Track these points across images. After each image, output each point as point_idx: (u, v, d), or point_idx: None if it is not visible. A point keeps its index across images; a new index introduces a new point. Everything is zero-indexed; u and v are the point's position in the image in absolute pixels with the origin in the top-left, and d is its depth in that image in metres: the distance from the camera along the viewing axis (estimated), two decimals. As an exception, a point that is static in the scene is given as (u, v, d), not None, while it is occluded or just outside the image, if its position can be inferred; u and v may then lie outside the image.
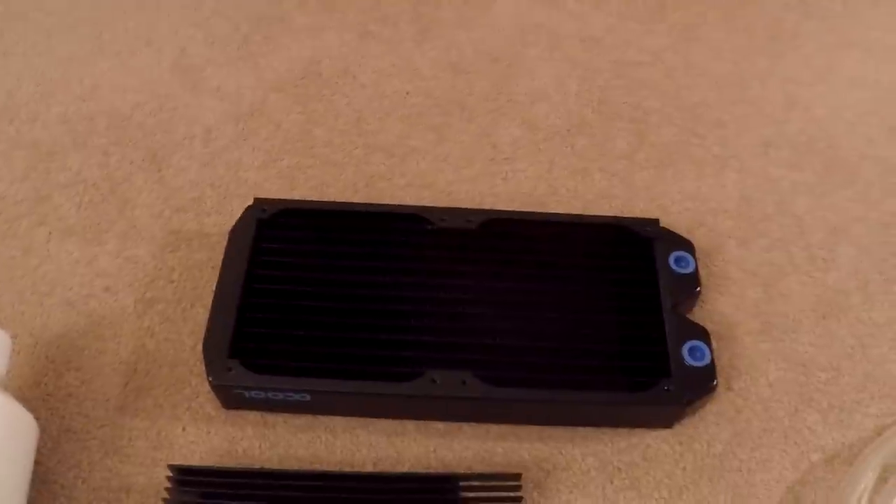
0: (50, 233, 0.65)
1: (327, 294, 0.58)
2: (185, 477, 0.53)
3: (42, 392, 0.58)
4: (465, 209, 0.62)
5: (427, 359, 0.55)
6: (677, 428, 0.57)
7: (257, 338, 0.56)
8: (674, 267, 0.60)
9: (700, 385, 0.56)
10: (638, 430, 0.57)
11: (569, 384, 0.55)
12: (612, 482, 0.56)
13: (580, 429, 0.57)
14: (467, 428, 0.57)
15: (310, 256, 0.59)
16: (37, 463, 0.54)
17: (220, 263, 0.59)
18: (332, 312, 0.57)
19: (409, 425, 0.57)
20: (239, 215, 0.61)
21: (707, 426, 0.58)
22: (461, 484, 0.53)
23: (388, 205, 0.64)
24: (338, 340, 0.56)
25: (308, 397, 0.55)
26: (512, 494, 0.53)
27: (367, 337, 0.56)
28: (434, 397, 0.54)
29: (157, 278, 0.62)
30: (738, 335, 0.61)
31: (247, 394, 0.55)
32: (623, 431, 0.57)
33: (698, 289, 0.60)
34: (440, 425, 0.57)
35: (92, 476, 0.55)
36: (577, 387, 0.55)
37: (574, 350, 0.56)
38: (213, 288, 0.58)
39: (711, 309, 0.62)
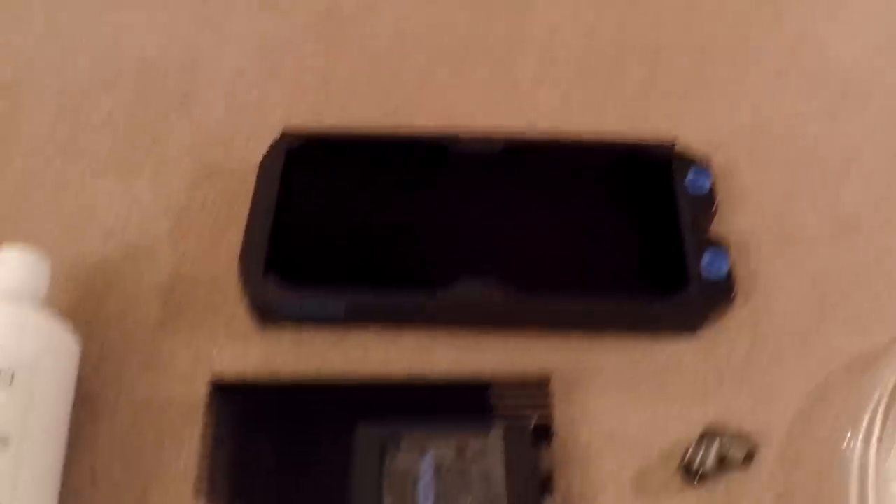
0: (84, 170, 0.66)
1: (358, 212, 0.59)
2: (224, 390, 0.54)
3: (82, 317, 0.59)
4: (487, 134, 0.62)
5: (456, 269, 0.56)
6: (698, 337, 0.58)
7: (292, 253, 0.57)
8: (691, 185, 0.61)
9: (720, 295, 0.57)
10: (660, 339, 0.58)
11: (593, 290, 0.56)
12: (637, 387, 0.57)
13: (605, 337, 0.58)
14: (495, 337, 0.58)
15: (340, 180, 0.60)
16: (80, 383, 0.55)
17: (252, 192, 0.60)
18: (363, 228, 0.58)
19: (440, 336, 0.58)
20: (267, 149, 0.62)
21: (728, 335, 0.59)
22: (491, 389, 0.54)
23: (413, 132, 0.65)
24: (370, 254, 0.57)
25: (342, 309, 0.56)
26: (541, 398, 0.54)
27: (397, 250, 0.57)
28: (463, 304, 0.55)
29: (190, 208, 0.63)
30: (755, 251, 0.62)
31: (282, 308, 0.56)
32: (645, 340, 0.58)
33: (715, 206, 0.61)
34: (469, 335, 0.58)
35: (133, 393, 0.56)
36: (601, 293, 0.56)
37: (597, 260, 0.57)
38: (247, 214, 0.59)
39: (728, 228, 0.62)
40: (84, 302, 0.60)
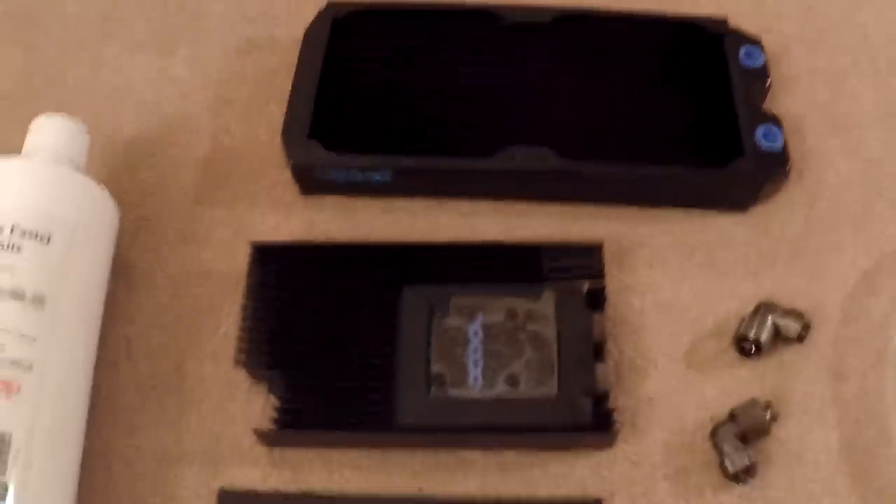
0: (120, 47, 0.63)
1: (404, 81, 0.56)
2: (266, 251, 0.52)
3: (118, 189, 0.56)
4: (538, 4, 0.59)
5: (505, 135, 0.53)
6: (751, 212, 0.55)
7: (337, 118, 0.54)
8: (744, 60, 0.57)
9: (774, 166, 0.54)
10: (712, 213, 0.55)
11: (646, 158, 0.53)
12: (689, 260, 0.54)
13: (656, 209, 0.55)
14: (544, 207, 0.55)
15: (386, 49, 0.57)
16: (116, 254, 0.53)
17: (294, 66, 0.57)
18: (409, 98, 0.55)
19: (488, 205, 0.55)
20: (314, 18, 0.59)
21: (780, 212, 0.56)
22: (542, 252, 0.51)
23: (462, 1, 0.61)
24: (418, 119, 0.54)
25: (388, 175, 0.53)
26: (593, 263, 0.51)
27: (447, 116, 0.54)
28: (513, 171, 0.52)
29: (231, 81, 0.60)
30: (807, 131, 0.59)
31: (326, 174, 0.53)
32: (698, 213, 0.55)
33: (769, 81, 0.57)
34: (517, 205, 0.55)
35: (171, 264, 0.54)
36: (654, 161, 0.53)
37: (650, 129, 0.55)
38: (289, 88, 0.56)
39: (779, 108, 0.59)
40: (120, 175, 0.57)
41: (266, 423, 0.48)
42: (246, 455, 0.48)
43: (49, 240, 0.47)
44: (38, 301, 0.46)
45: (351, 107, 0.55)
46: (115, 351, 0.51)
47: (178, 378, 0.50)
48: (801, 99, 0.60)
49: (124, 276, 0.53)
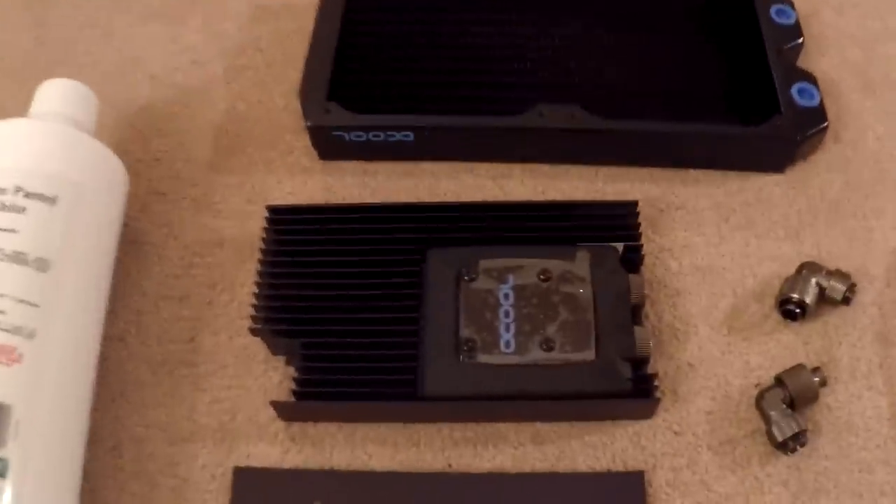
0: (133, 17, 0.58)
1: (429, 33, 0.51)
2: (282, 212, 0.46)
3: (130, 159, 0.51)
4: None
5: (535, 93, 0.48)
6: (788, 173, 0.50)
7: (357, 78, 0.49)
8: (775, 18, 0.52)
9: (812, 124, 0.49)
10: (749, 174, 0.50)
11: (680, 116, 0.47)
12: (726, 221, 0.48)
13: (691, 171, 0.50)
14: (575, 169, 0.49)
15: (407, 8, 0.52)
16: (126, 225, 0.48)
17: (309, 32, 0.51)
18: (434, 51, 0.50)
19: (516, 168, 0.50)
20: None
21: (818, 173, 0.50)
22: (575, 211, 0.46)
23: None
24: (442, 77, 0.49)
25: (411, 136, 0.47)
26: (629, 222, 0.46)
27: (472, 73, 0.49)
28: (542, 130, 0.47)
29: (245, 48, 0.55)
30: (842, 92, 0.53)
31: (346, 137, 0.48)
32: (734, 175, 0.50)
33: (801, 39, 0.52)
34: (547, 167, 0.49)
35: (183, 233, 0.49)
36: (689, 119, 0.47)
37: (684, 86, 0.49)
38: (305, 54, 0.50)
39: (812, 69, 0.54)
40: (132, 143, 0.52)
41: (284, 395, 0.43)
42: (263, 431, 0.43)
43: (55, 201, 0.42)
44: (42, 265, 0.41)
45: (371, 67, 0.50)
46: (124, 325, 0.46)
47: (190, 351, 0.45)
48: (833, 61, 0.55)
49: (134, 249, 0.48)
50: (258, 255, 0.46)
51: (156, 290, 0.47)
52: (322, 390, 0.42)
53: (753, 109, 0.48)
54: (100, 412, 0.43)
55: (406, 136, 0.47)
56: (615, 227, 0.45)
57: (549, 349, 0.42)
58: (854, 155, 0.51)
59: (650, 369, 0.43)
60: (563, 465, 0.42)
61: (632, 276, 0.44)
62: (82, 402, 0.42)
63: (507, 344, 0.42)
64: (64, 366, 0.40)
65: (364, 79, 0.49)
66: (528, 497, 0.41)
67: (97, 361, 0.43)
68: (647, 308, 0.45)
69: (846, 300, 0.45)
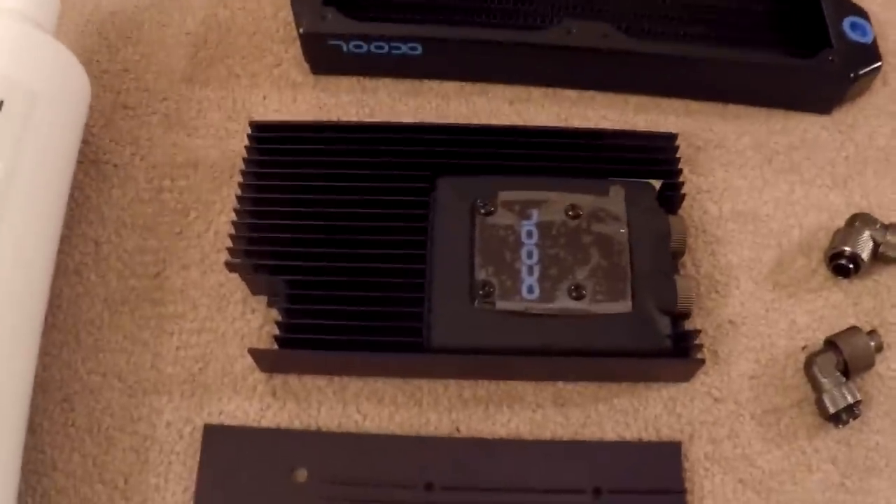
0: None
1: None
2: (267, 133, 0.37)
3: (95, 69, 0.42)
4: None
5: (562, 6, 0.39)
6: (836, 115, 0.43)
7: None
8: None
9: (865, 62, 0.41)
10: (794, 114, 0.42)
11: (722, 42, 0.39)
12: (770, 163, 0.41)
13: (731, 106, 0.42)
14: (602, 96, 0.41)
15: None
16: (86, 143, 0.40)
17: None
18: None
19: (535, 92, 0.42)
20: None
21: (867, 118, 0.43)
22: (608, 141, 0.38)
23: None
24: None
25: (419, 49, 0.39)
26: (667, 155, 0.38)
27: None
28: (568, 49, 0.39)
29: (227, -49, 0.46)
30: (890, 34, 0.46)
31: (344, 47, 0.39)
32: (778, 113, 0.42)
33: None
34: (571, 92, 0.41)
35: (152, 153, 0.40)
36: (732, 44, 0.40)
37: (728, 11, 0.42)
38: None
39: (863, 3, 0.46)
40: (97, 52, 0.43)
41: (265, 343, 0.34)
42: (239, 383, 0.36)
43: (1, 104, 0.33)
44: (-12, 174, 0.32)
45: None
46: (80, 256, 0.38)
47: (155, 288, 0.37)
48: (882, 3, 0.46)
49: (95, 169, 0.40)
50: (238, 179, 0.37)
51: (118, 216, 0.39)
52: (309, 337, 0.34)
53: (802, 41, 0.41)
54: (49, 357, 0.36)
55: (413, 48, 0.39)
56: (652, 160, 0.37)
57: (579, 297, 0.34)
58: (905, 101, 0.43)
59: (689, 326, 0.35)
60: (589, 432, 0.35)
61: (672, 218, 0.36)
62: (28, 345, 0.34)
63: (530, 289, 0.34)
64: (6, 301, 0.32)
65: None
66: (548, 467, 0.34)
67: (47, 297, 0.35)
68: (685, 256, 0.37)
69: (903, 255, 0.38)
